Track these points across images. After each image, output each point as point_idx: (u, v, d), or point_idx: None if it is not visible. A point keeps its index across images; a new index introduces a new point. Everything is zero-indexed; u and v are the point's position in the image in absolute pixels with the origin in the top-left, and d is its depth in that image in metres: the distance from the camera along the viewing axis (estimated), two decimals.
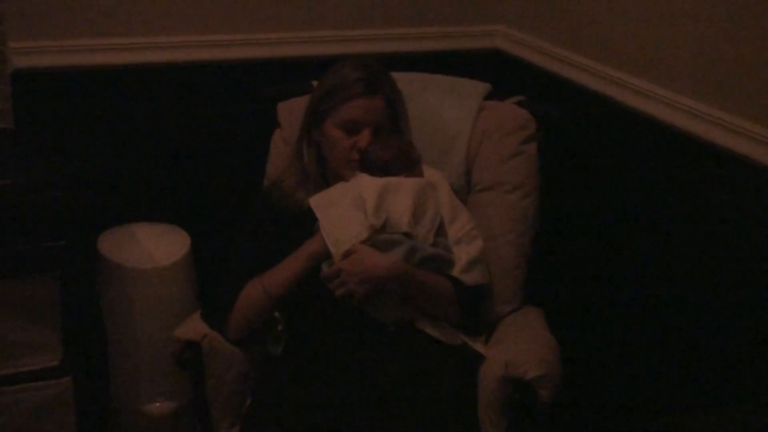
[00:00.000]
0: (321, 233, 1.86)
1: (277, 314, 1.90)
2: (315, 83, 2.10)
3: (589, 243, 2.30)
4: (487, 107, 2.19)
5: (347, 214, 1.86)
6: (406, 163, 1.94)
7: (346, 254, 1.81)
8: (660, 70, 2.01)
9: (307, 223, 1.91)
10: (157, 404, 2.27)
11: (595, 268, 2.28)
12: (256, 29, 2.37)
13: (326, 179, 2.02)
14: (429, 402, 1.69)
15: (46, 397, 1.92)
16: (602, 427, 2.25)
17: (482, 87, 2.23)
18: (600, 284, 2.26)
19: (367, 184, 1.88)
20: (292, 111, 2.18)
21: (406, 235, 1.85)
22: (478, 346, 1.89)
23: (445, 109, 2.18)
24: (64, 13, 2.19)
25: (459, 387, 1.78)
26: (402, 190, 1.88)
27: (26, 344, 1.90)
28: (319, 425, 1.65)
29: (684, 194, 1.97)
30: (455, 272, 1.88)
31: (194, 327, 1.89)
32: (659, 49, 2.02)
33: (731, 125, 1.80)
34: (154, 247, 2.27)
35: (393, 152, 1.94)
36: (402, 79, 2.09)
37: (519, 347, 1.83)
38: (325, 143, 1.98)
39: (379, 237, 1.84)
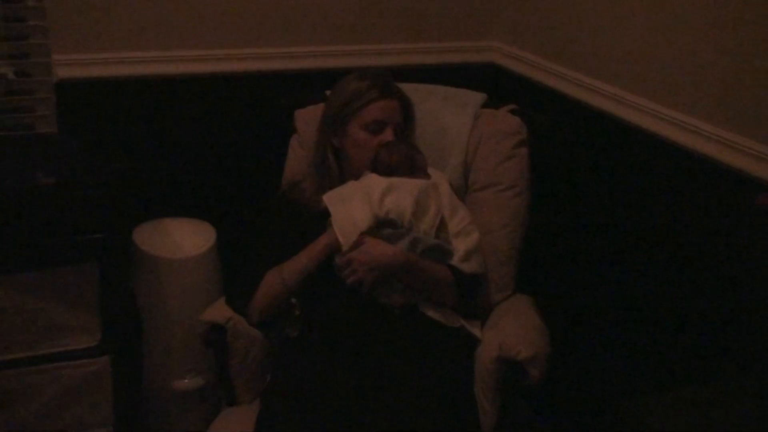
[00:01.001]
0: (333, 226, 1.86)
1: (294, 300, 1.90)
2: (328, 92, 2.11)
3: (575, 237, 2.30)
4: (484, 114, 2.20)
5: (356, 207, 1.87)
6: (411, 167, 1.95)
7: (355, 244, 1.82)
8: (641, 81, 2.01)
9: (321, 221, 1.91)
10: (186, 380, 2.27)
11: (581, 259, 2.28)
12: (274, 45, 2.38)
13: (344, 180, 2.02)
14: (431, 379, 1.70)
15: (86, 374, 1.92)
16: (586, 404, 2.25)
17: (479, 96, 2.23)
18: (585, 274, 2.26)
19: (374, 182, 1.89)
20: (307, 118, 2.18)
21: (408, 229, 1.86)
22: (475, 330, 1.89)
23: (445, 116, 2.18)
24: (103, 28, 2.20)
25: (458, 366, 1.78)
26: (405, 189, 1.88)
27: (68, 326, 1.90)
28: (331, 400, 1.65)
29: (663, 195, 1.97)
30: (454, 261, 1.89)
31: (220, 311, 1.89)
32: (640, 63, 2.02)
33: (710, 133, 1.81)
34: (183, 239, 2.28)
35: (399, 157, 1.95)
36: (406, 89, 2.10)
37: (512, 331, 1.83)
38: (351, 145, 2.00)
39: (385, 231, 1.85)
